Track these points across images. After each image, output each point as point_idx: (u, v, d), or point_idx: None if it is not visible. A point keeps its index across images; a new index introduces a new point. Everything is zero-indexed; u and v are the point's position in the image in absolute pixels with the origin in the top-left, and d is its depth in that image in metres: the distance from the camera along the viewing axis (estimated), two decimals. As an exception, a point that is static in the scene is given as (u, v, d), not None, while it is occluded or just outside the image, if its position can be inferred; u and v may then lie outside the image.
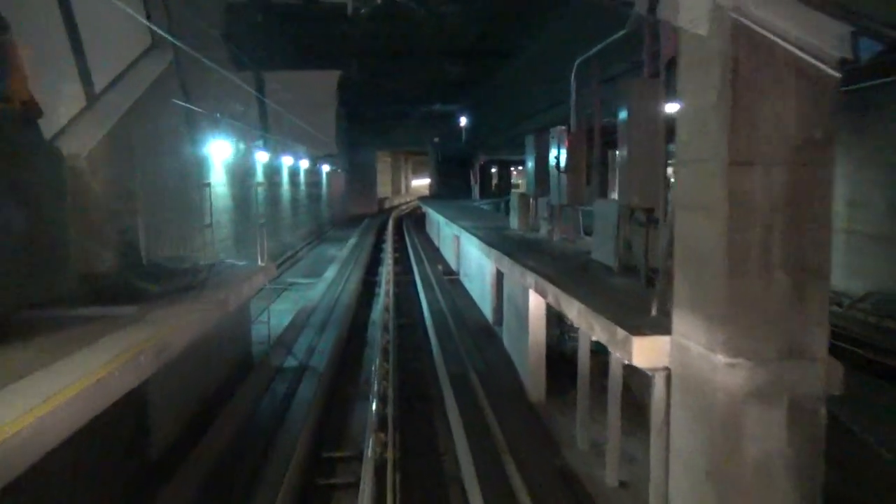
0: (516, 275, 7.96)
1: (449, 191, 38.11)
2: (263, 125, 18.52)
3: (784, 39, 3.49)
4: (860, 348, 8.73)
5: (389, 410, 6.97)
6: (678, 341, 4.12)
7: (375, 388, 7.47)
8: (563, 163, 9.64)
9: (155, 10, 9.56)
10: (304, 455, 6.68)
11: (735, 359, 3.63)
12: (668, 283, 4.57)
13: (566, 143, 9.63)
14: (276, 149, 20.09)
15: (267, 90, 18.84)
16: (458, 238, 15.83)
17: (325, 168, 33.88)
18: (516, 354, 9.00)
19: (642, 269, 6.14)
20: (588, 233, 10.05)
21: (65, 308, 6.01)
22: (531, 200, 12.04)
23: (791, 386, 3.68)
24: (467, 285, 15.13)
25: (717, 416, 3.74)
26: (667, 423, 4.31)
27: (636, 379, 6.43)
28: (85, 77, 7.83)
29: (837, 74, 3.52)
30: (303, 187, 27.75)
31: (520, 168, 45.86)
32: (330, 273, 18.11)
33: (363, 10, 16.15)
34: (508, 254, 8.68)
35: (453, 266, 18.04)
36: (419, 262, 19.86)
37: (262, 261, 9.47)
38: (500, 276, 10.51)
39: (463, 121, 37.47)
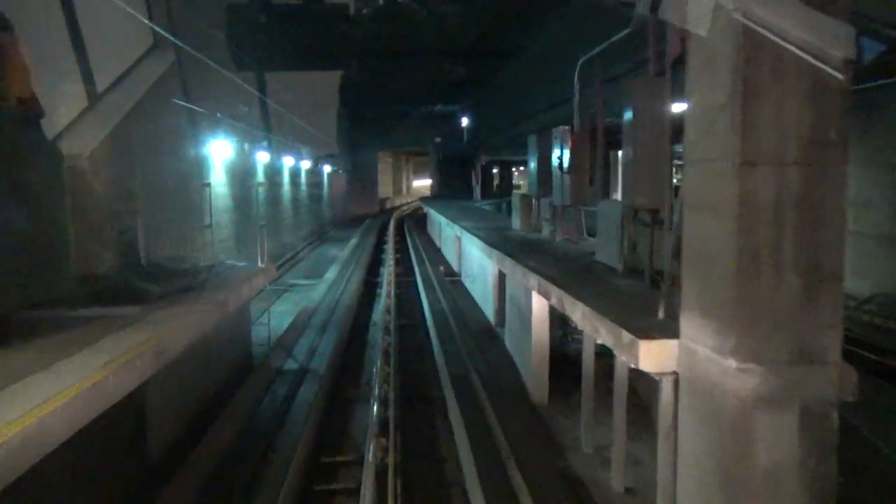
0: (519, 276, 7.88)
1: (450, 191, 38.04)
2: (265, 125, 18.47)
3: (786, 40, 3.42)
4: (866, 350, 8.64)
5: (390, 413, 6.89)
6: (686, 345, 4.03)
7: (376, 390, 7.39)
8: (566, 163, 9.56)
9: (157, 10, 9.53)
10: (304, 459, 6.60)
11: (745, 363, 3.55)
12: (674, 285, 4.49)
13: (569, 143, 9.56)
14: (277, 149, 20.04)
15: (268, 90, 18.79)
16: (459, 239, 15.75)
17: (327, 168, 33.83)
18: (519, 356, 8.92)
19: (647, 271, 6.06)
20: (591, 234, 9.97)
21: (65, 308, 6.00)
22: (533, 201, 11.95)
23: (803, 391, 3.59)
24: (469, 286, 15.05)
25: (727, 421, 3.66)
26: (675, 427, 4.23)
27: (642, 381, 6.35)
28: (87, 77, 7.82)
29: (840, 76, 3.44)
30: (304, 188, 27.70)
31: (521, 168, 45.80)
32: (331, 274, 18.04)
33: (365, 11, 16.10)
34: (511, 255, 8.59)
35: (455, 267, 17.96)
36: (420, 263, 19.78)
37: (262, 262, 9.41)
38: (502, 278, 10.43)
39: (464, 121, 37.41)
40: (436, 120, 40.63)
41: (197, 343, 6.13)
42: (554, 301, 6.27)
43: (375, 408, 6.75)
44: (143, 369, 4.76)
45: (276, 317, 12.08)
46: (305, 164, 26.81)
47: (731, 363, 3.58)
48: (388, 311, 12.60)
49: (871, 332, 9.83)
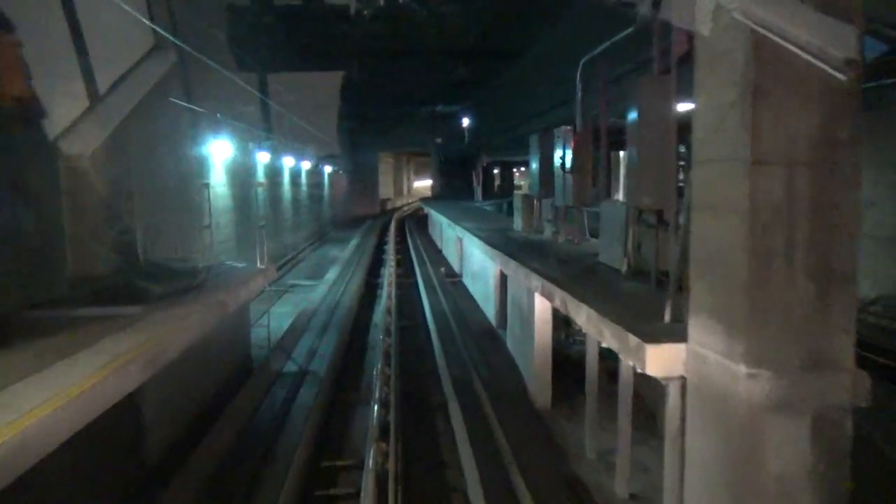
0: (521, 277, 7.78)
1: (451, 192, 37.96)
2: (266, 126, 18.40)
3: (787, 40, 3.33)
4: (874, 353, 8.53)
5: (391, 417, 6.79)
6: (694, 349, 3.93)
7: (377, 393, 7.29)
8: (568, 163, 9.46)
9: (158, 11, 9.51)
10: (304, 463, 6.51)
11: (756, 369, 3.44)
12: (682, 287, 4.39)
13: (572, 144, 9.46)
14: (278, 149, 19.96)
15: (269, 91, 18.73)
16: (460, 240, 15.65)
17: (328, 169, 33.75)
18: (521, 358, 8.82)
19: (652, 273, 5.95)
20: (593, 234, 9.86)
21: (67, 308, 5.98)
22: (535, 202, 11.85)
23: (815, 397, 3.49)
24: (470, 287, 14.95)
25: (737, 428, 3.56)
26: (682, 434, 4.13)
27: (647, 385, 6.25)
28: (88, 77, 7.80)
29: (843, 76, 3.34)
30: (305, 188, 27.62)
31: (522, 169, 45.68)
32: (331, 275, 17.96)
33: (366, 11, 16.03)
34: (513, 256, 8.50)
35: (456, 268, 17.86)
36: (421, 264, 19.69)
37: (261, 263, 9.32)
38: (503, 279, 10.33)
39: (465, 121, 37.32)
40: (437, 120, 40.55)
41: (195, 346, 6.07)
42: (557, 303, 6.17)
43: (376, 411, 6.65)
44: (140, 373, 4.72)
45: (276, 318, 11.99)
46: (306, 165, 26.73)
47: (742, 368, 3.47)
48: (388, 312, 12.50)
49: (877, 334, 9.72)
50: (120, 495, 5.64)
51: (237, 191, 15.46)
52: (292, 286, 17.38)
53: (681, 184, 6.16)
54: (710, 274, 3.84)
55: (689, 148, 5.23)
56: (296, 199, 25.52)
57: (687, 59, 4.81)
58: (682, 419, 4.10)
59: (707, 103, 3.88)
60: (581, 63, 9.46)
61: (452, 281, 16.37)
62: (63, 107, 7.30)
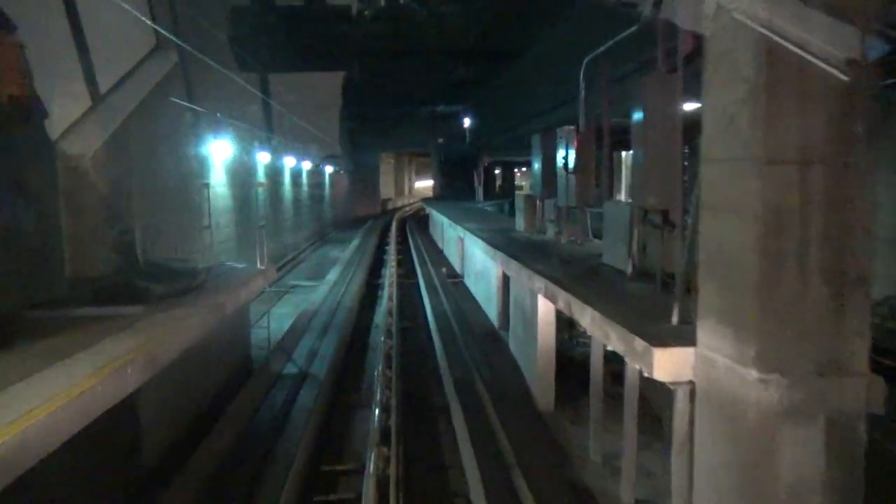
0: (524, 278, 7.69)
1: (452, 192, 37.86)
2: (267, 126, 18.34)
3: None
4: (883, 356, 8.42)
5: (392, 421, 6.69)
6: (703, 354, 3.84)
7: (378, 396, 7.20)
8: (571, 163, 9.37)
9: (160, 11, 9.50)
10: (303, 467, 6.42)
11: (768, 374, 3.35)
12: (689, 289, 4.30)
13: (574, 143, 9.37)
14: (279, 149, 19.90)
15: (271, 91, 18.68)
16: (462, 240, 15.56)
17: (329, 169, 33.68)
18: (523, 360, 8.72)
19: (658, 274, 5.86)
20: (596, 235, 9.77)
21: (68, 308, 5.94)
22: (537, 202, 11.76)
23: (829, 403, 3.39)
24: (472, 288, 14.86)
25: (748, 434, 3.46)
26: (690, 439, 4.03)
27: (652, 387, 6.15)
28: (90, 77, 7.79)
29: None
30: (305, 188, 27.55)
31: (524, 169, 45.57)
32: (332, 275, 17.87)
33: (367, 12, 15.97)
34: (515, 257, 8.41)
35: (457, 269, 17.77)
36: (423, 265, 19.60)
37: (261, 264, 9.24)
38: (506, 280, 10.24)
39: (466, 122, 37.21)
40: (438, 121, 40.44)
41: (193, 347, 6.00)
42: (561, 305, 6.08)
43: (377, 414, 6.56)
44: (139, 374, 4.67)
45: (277, 319, 11.91)
46: (307, 165, 26.65)
47: (753, 373, 3.38)
48: (389, 313, 12.41)
49: (884, 336, 9.61)
50: (117, 498, 5.56)
51: (237, 191, 15.39)
52: (293, 287, 17.30)
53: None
54: (719, 276, 3.75)
55: (692, 147, 5.16)
56: (297, 200, 25.45)
57: (694, 57, 4.73)
58: (691, 425, 4.00)
59: (716, 101, 3.78)
60: (584, 62, 9.36)
61: (454, 281, 16.28)
62: (64, 107, 7.29)
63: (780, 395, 3.37)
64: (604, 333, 4.88)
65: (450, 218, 17.97)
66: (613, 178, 23.98)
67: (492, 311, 11.90)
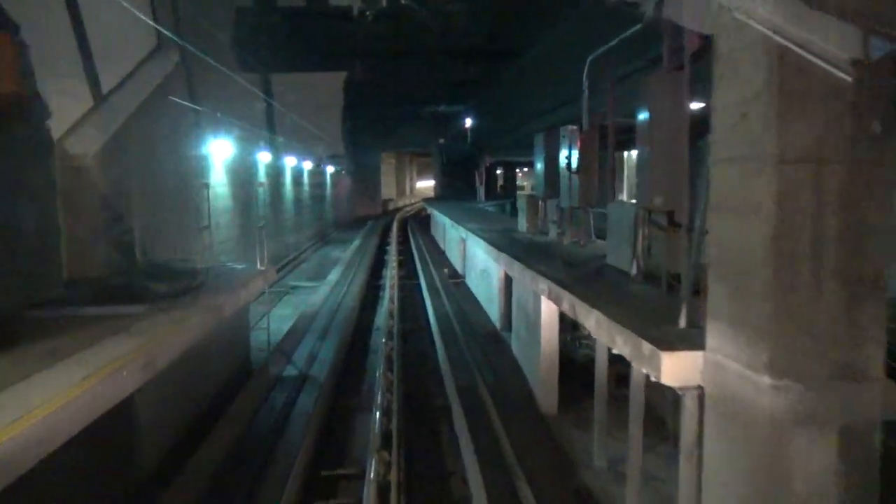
0: (527, 280, 7.59)
1: (454, 192, 37.74)
2: (268, 126, 18.27)
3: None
4: (891, 360, 8.30)
5: (394, 425, 6.59)
6: (713, 358, 3.73)
7: (379, 399, 7.10)
8: (574, 163, 9.25)
9: (162, 11, 9.47)
10: (303, 471, 6.32)
11: (781, 380, 3.24)
12: (697, 292, 4.19)
13: (578, 143, 9.25)
14: (279, 150, 19.82)
15: (272, 91, 18.61)
16: (464, 241, 15.46)
17: (330, 169, 33.61)
18: (526, 362, 8.62)
19: (664, 276, 5.75)
20: (599, 236, 9.66)
21: (66, 308, 5.91)
22: (540, 202, 11.65)
23: (843, 410, 3.28)
24: (474, 289, 14.75)
25: (760, 442, 3.36)
26: (698, 446, 3.92)
27: (656, 390, 6.04)
28: (92, 77, 7.77)
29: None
30: (307, 188, 27.47)
31: (525, 170, 45.47)
32: (333, 276, 17.79)
33: (368, 12, 15.89)
34: (518, 258, 8.30)
35: (459, 269, 17.67)
36: (424, 265, 19.50)
37: (261, 264, 9.15)
38: (508, 281, 10.14)
39: (468, 122, 37.09)
40: (439, 121, 40.29)
41: (194, 347, 5.93)
42: (566, 307, 5.98)
43: (378, 419, 6.45)
44: (137, 376, 4.62)
45: (277, 320, 11.82)
46: (308, 165, 26.58)
47: (765, 379, 3.27)
48: (391, 315, 12.31)
49: (892, 339, 9.49)
50: (116, 498, 5.48)
51: (238, 191, 15.31)
52: (293, 288, 17.21)
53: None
54: (729, 278, 3.64)
55: (695, 147, 5.05)
56: (298, 200, 25.37)
57: (702, 55, 4.63)
58: (699, 431, 3.89)
59: (726, 99, 3.67)
60: (588, 61, 9.25)
61: (455, 282, 16.18)
62: (67, 107, 7.26)
63: (794, 401, 3.26)
64: (609, 336, 4.78)
65: (451, 218, 17.87)
66: (615, 179, 23.87)
67: (494, 313, 11.79)
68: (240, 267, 9.44)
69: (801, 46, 3.13)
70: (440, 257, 21.16)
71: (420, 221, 35.73)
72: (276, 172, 21.00)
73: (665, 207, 5.80)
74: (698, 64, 4.93)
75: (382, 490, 5.17)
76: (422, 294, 15.81)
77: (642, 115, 6.19)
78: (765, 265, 3.27)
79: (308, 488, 6.27)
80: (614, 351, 4.90)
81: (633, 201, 7.62)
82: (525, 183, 47.56)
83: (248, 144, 16.01)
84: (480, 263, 13.29)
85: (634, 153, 27.32)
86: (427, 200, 39.44)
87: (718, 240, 3.76)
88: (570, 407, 7.42)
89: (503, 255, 9.12)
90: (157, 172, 9.34)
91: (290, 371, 9.15)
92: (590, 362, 6.29)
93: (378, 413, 6.61)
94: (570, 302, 5.77)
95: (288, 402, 7.85)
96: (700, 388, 3.86)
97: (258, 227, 9.99)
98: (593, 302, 5.30)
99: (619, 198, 19.70)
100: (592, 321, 5.15)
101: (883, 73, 3.26)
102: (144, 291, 6.52)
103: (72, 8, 7.62)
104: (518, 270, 8.06)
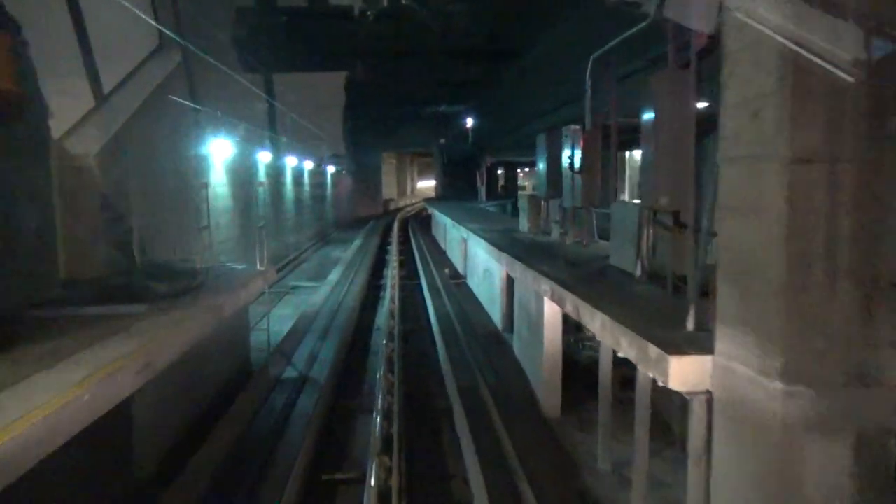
0: (529, 281, 7.51)
1: (455, 192, 37.67)
2: (269, 126, 18.22)
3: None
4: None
5: (395, 429, 6.51)
6: (722, 363, 3.64)
7: (379, 402, 7.01)
8: (577, 163, 9.17)
9: (163, 11, 9.44)
10: (302, 475, 6.24)
11: (794, 386, 3.16)
12: (705, 294, 4.11)
13: (580, 143, 9.17)
14: (280, 149, 19.76)
15: (273, 91, 18.57)
16: (465, 241, 15.38)
17: (331, 169, 33.54)
18: (528, 364, 8.53)
19: (669, 277, 5.66)
20: (602, 236, 9.58)
21: (66, 308, 5.88)
22: (542, 202, 11.57)
23: (858, 417, 3.20)
24: (475, 290, 14.67)
25: (771, 448, 3.27)
26: (707, 452, 3.84)
27: (662, 394, 5.96)
28: (93, 77, 7.73)
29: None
30: (307, 188, 27.40)
31: (526, 170, 45.39)
32: (334, 276, 17.70)
33: (369, 12, 15.83)
34: (520, 258, 8.22)
35: (460, 269, 17.58)
36: (425, 266, 19.42)
37: (261, 265, 9.07)
38: (510, 282, 10.06)
39: (469, 122, 37.01)
40: (440, 121, 40.22)
41: (193, 348, 5.87)
42: (569, 308, 5.89)
43: (378, 422, 6.37)
44: (135, 377, 4.58)
45: (277, 321, 11.74)
46: (308, 165, 26.50)
47: (778, 385, 3.19)
48: (391, 315, 12.23)
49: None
50: (116, 499, 5.42)
51: (238, 190, 15.24)
52: (294, 288, 17.13)
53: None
54: (739, 280, 3.56)
55: (700, 146, 4.97)
56: (298, 200, 25.29)
57: (709, 52, 4.55)
58: (708, 437, 3.81)
59: (737, 97, 3.59)
60: (591, 60, 9.17)
61: (456, 283, 16.09)
62: (68, 106, 7.23)
63: (806, 407, 3.18)
64: (615, 339, 4.69)
65: (452, 218, 17.79)
66: (617, 179, 23.79)
67: (495, 313, 11.71)
68: (240, 267, 9.38)
69: (812, 47, 3.06)
70: (441, 257, 21.07)
71: (421, 221, 35.65)
72: (276, 172, 20.93)
73: (670, 207, 5.72)
74: (704, 61, 4.85)
75: (383, 495, 5.09)
76: (423, 294, 15.72)
77: (647, 115, 6.11)
78: (776, 266, 3.19)
79: (308, 491, 6.19)
80: (620, 354, 4.82)
81: (636, 201, 7.53)
82: (526, 183, 47.50)
83: (248, 144, 15.95)
84: (482, 264, 13.21)
85: (636, 153, 27.26)
86: (428, 200, 39.38)
87: (727, 240, 3.68)
88: (573, 409, 7.33)
89: (505, 256, 9.03)
90: (158, 172, 9.29)
91: (291, 372, 9.07)
92: (593, 364, 6.20)
93: (379, 417, 6.52)
94: (573, 303, 5.69)
95: (288, 403, 7.77)
96: (709, 392, 3.78)
97: (258, 227, 9.92)
98: (597, 303, 5.22)
99: (621, 198, 19.63)
100: (597, 323, 5.07)
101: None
102: (144, 291, 6.48)
103: (73, 8, 7.59)
104: (520, 271, 7.98)
